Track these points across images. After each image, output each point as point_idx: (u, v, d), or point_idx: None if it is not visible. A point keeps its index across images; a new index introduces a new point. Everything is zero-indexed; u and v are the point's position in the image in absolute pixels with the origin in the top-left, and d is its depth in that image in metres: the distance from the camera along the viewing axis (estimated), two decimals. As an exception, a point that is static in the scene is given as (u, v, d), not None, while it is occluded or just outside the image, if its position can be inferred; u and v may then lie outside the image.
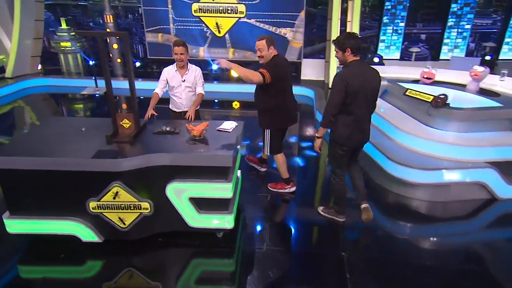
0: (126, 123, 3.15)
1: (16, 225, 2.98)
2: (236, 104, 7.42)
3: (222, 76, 8.99)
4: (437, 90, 4.56)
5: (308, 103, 7.63)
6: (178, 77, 3.88)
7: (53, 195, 2.88)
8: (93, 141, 3.06)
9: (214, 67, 9.02)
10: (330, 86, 7.09)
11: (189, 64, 3.92)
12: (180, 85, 3.90)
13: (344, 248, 3.19)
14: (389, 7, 8.17)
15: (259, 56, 3.52)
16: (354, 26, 7.93)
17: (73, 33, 8.94)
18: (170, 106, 4.10)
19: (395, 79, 5.24)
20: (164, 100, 4.08)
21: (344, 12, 8.21)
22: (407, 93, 4.47)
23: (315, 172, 4.78)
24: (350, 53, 2.99)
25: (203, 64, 9.07)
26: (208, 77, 8.87)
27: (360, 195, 3.50)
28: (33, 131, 3.27)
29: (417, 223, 3.61)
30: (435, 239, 3.42)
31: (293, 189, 4.02)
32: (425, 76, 5.11)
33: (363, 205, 3.46)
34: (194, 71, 3.92)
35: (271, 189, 4.04)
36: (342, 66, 3.08)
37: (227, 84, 8.34)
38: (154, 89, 3.93)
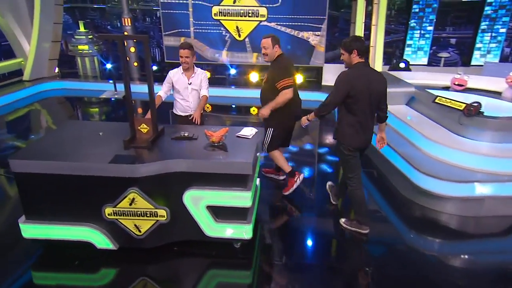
0: (144, 128, 3.20)
1: (31, 230, 3.05)
2: (254, 110, 7.45)
3: (240, 81, 9.06)
4: (470, 98, 4.46)
5: (329, 110, 7.57)
6: (184, 79, 3.94)
7: (69, 200, 2.94)
8: (110, 145, 3.11)
9: (232, 71, 9.09)
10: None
11: (195, 67, 4.00)
12: (187, 88, 3.95)
13: (367, 263, 3.13)
14: (417, 10, 8.07)
15: (263, 54, 3.70)
16: (379, 30, 7.87)
17: (90, 36, 9.20)
18: (174, 111, 4.12)
19: (423, 86, 5.15)
20: (168, 105, 4.12)
21: (368, 15, 8.17)
22: (436, 101, 4.38)
23: (335, 181, 4.71)
24: (356, 55, 3.13)
25: (220, 68, 9.17)
26: (225, 81, 8.95)
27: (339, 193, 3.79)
28: (50, 135, 3.36)
29: (446, 239, 3.51)
30: (466, 256, 3.31)
31: (302, 176, 4.04)
32: (456, 83, 5.00)
33: (335, 202, 3.85)
34: (201, 74, 3.99)
35: (286, 194, 4.02)
36: (348, 67, 3.22)
37: (245, 89, 8.39)
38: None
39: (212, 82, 8.50)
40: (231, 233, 3.07)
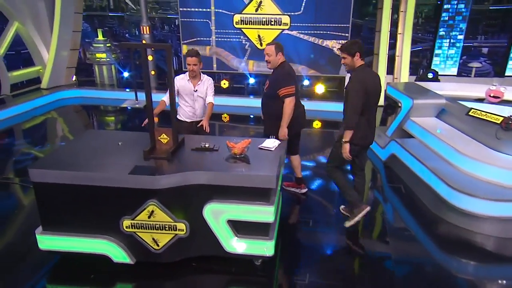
0: (164, 138, 3.24)
1: (48, 241, 3.09)
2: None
3: (259, 91, 9.10)
4: (506, 111, 4.34)
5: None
6: (190, 86, 4.04)
7: (87, 212, 2.98)
8: (129, 156, 3.15)
9: (251, 80, 9.15)
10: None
11: (201, 74, 4.11)
12: (193, 94, 4.05)
13: (393, 285, 3.03)
14: (446, 18, 7.98)
15: (266, 60, 3.84)
16: (405, 39, 7.81)
17: (109, 45, 9.46)
18: (178, 116, 4.16)
19: (454, 97, 5.06)
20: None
21: (394, 23, 8.12)
22: (470, 113, 4.29)
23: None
24: (358, 57, 3.36)
25: (239, 78, 9.25)
26: (244, 91, 9.01)
27: (359, 199, 3.78)
28: (69, 145, 3.43)
29: (483, 262, 3.38)
30: (505, 281, 3.18)
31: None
32: (492, 95, 4.89)
33: (343, 207, 3.99)
34: (207, 82, 4.10)
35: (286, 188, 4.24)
36: (351, 70, 3.45)
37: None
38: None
39: (231, 92, 8.67)
40: (252, 249, 3.04)
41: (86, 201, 2.94)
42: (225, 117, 7.58)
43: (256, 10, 7.98)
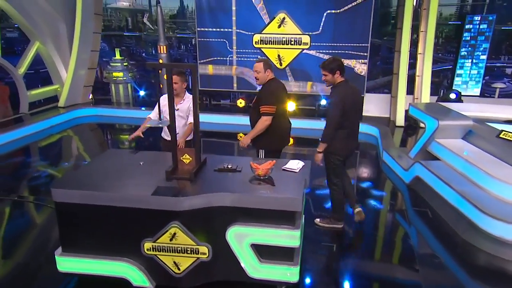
0: (186, 159, 3.23)
1: (67, 263, 3.07)
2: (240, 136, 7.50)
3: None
4: (538, 133, 4.23)
5: (370, 142, 7.47)
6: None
7: (108, 233, 2.96)
8: (151, 176, 3.15)
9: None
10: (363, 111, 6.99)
11: (187, 93, 4.11)
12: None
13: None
14: (468, 38, 7.96)
15: (255, 77, 3.96)
16: (426, 59, 7.80)
17: (126, 64, 9.67)
18: (162, 134, 4.30)
19: (481, 119, 4.97)
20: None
21: (413, 43, 8.14)
22: (501, 136, 4.20)
23: (377, 217, 4.53)
24: (339, 74, 3.70)
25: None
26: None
27: (352, 201, 4.13)
28: (90, 164, 3.45)
29: (520, 294, 3.23)
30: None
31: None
32: (521, 116, 4.80)
33: (357, 209, 4.09)
34: (190, 101, 4.00)
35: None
36: (331, 86, 3.80)
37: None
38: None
39: (247, 111, 8.68)
40: (276, 275, 2.96)
41: (108, 223, 2.93)
42: (241, 137, 7.59)
43: (279, 26, 8.09)
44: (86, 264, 3.04)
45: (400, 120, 8.06)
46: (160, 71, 9.21)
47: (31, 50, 8.60)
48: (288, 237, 2.86)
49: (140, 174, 3.22)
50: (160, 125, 3.37)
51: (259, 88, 4.14)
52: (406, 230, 4.24)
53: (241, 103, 9.05)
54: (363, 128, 7.93)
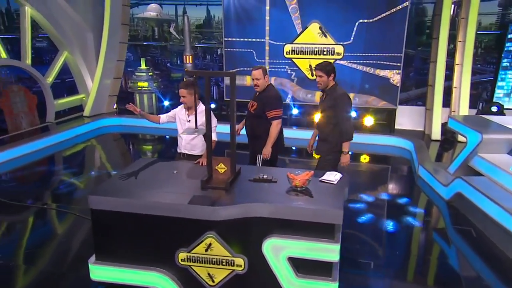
0: (221, 168, 3.30)
1: (100, 272, 3.15)
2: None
3: (303, 122, 9.16)
4: None
5: (403, 156, 7.38)
6: (185, 116, 4.13)
7: (142, 242, 3.03)
8: (185, 185, 3.23)
9: (294, 111, 9.26)
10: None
11: (200, 104, 4.10)
12: (185, 124, 4.11)
13: None
14: (511, 48, 7.83)
15: (255, 84, 4.19)
16: (464, 70, 7.69)
17: (151, 73, 9.95)
18: (178, 149, 4.32)
19: (528, 133, 4.86)
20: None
21: (450, 54, 8.06)
22: (551, 150, 4.09)
23: (415, 235, 4.45)
24: (332, 78, 4.01)
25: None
26: (287, 121, 9.09)
27: None
28: (123, 173, 3.56)
29: None
30: None
31: None
32: None
33: None
34: (203, 113, 3.89)
35: None
36: (325, 88, 4.05)
37: (310, 130, 8.42)
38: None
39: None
40: (314, 291, 2.95)
41: (143, 231, 3.00)
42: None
43: (321, 36, 8.18)
44: (118, 273, 3.12)
45: (436, 134, 7.94)
46: (184, 78, 9.46)
47: (59, 60, 8.98)
48: (327, 251, 2.86)
49: (174, 183, 3.30)
50: (196, 134, 3.45)
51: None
52: (448, 250, 4.15)
53: (268, 114, 9.12)
54: (395, 141, 7.91)
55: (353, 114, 3.98)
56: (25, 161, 6.78)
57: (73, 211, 4.76)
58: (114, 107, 10.16)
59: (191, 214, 2.88)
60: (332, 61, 8.26)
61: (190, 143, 4.15)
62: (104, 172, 6.59)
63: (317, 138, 4.41)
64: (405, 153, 7.49)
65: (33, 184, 6.02)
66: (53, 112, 8.83)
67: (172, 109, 4.32)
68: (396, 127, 8.65)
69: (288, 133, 8.28)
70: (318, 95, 8.63)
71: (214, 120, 3.99)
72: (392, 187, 6.06)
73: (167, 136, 8.76)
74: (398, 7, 7.69)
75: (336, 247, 2.85)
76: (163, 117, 4.31)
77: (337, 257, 2.87)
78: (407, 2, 7.63)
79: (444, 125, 7.93)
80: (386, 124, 8.89)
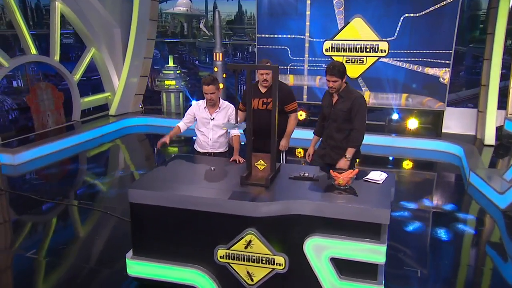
0: (261, 165, 3.48)
1: (137, 267, 3.40)
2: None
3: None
4: None
5: (452, 162, 7.34)
6: (207, 114, 4.23)
7: (181, 239, 3.26)
8: (224, 181, 3.44)
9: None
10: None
11: (221, 101, 4.27)
12: (208, 122, 4.23)
13: None
14: None
15: (265, 80, 4.33)
16: (523, 68, 7.60)
17: (179, 71, 10.31)
18: (195, 146, 4.48)
19: None
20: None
21: (506, 51, 7.98)
22: None
23: (466, 246, 4.47)
24: (344, 80, 3.94)
25: (315, 110, 9.50)
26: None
27: None
28: (161, 169, 3.81)
29: None
30: None
31: None
32: None
33: None
34: (226, 110, 4.22)
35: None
36: (340, 91, 3.95)
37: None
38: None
39: (308, 124, 8.87)
40: (357, 294, 3.08)
41: (181, 227, 3.22)
42: (299, 152, 7.77)
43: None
44: (156, 269, 3.35)
45: (489, 138, 7.84)
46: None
47: (87, 56, 9.47)
48: (372, 252, 2.98)
49: (212, 179, 3.53)
50: (237, 129, 3.65)
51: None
52: (502, 264, 4.15)
53: (301, 115, 9.26)
54: (442, 146, 7.87)
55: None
56: (50, 160, 7.19)
57: (102, 209, 5.07)
58: (140, 106, 10.56)
59: (232, 209, 3.07)
60: (374, 58, 8.37)
61: (218, 141, 4.31)
62: (128, 173, 6.90)
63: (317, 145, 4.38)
64: (454, 159, 7.44)
65: (58, 183, 6.41)
66: (79, 110, 9.31)
67: (186, 112, 4.47)
68: (444, 130, 8.59)
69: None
70: (367, 94, 8.67)
71: (234, 115, 4.17)
72: (439, 195, 6.07)
73: (194, 137, 9.04)
74: (448, 0, 7.69)
75: (383, 248, 2.97)
76: (182, 126, 4.42)
77: (383, 259, 2.99)
78: (458, -5, 7.61)
79: (499, 129, 7.83)
80: (432, 128, 8.85)
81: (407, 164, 7.45)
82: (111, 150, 8.39)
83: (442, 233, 4.64)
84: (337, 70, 3.82)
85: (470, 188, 5.98)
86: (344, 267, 3.08)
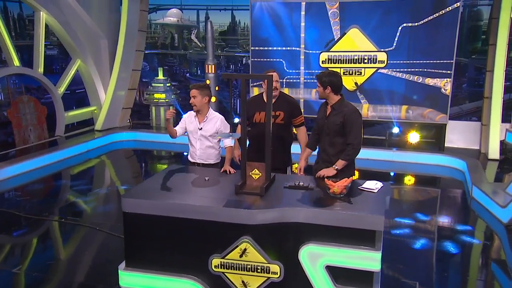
0: (255, 174, 3.75)
1: (130, 279, 3.61)
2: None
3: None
4: None
5: (455, 177, 7.65)
6: (196, 123, 4.49)
7: (175, 248, 3.48)
8: (219, 190, 3.70)
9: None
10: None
11: (210, 111, 4.51)
12: (196, 132, 4.48)
13: None
14: None
15: (275, 88, 4.37)
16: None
17: (169, 84, 10.65)
18: (189, 157, 4.74)
19: None
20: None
21: (510, 62, 8.38)
22: None
23: (467, 261, 4.73)
24: (330, 91, 4.04)
25: (311, 124, 9.82)
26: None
27: None
28: (155, 178, 4.06)
29: None
30: None
31: None
32: None
33: None
34: (215, 121, 4.44)
35: None
36: (330, 103, 4.12)
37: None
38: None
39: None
40: (353, 303, 3.31)
41: (176, 236, 3.45)
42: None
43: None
44: (149, 280, 3.56)
45: (493, 152, 8.19)
46: (208, 81, 10.03)
47: (72, 69, 9.79)
48: (367, 259, 3.22)
49: (206, 188, 3.77)
50: (231, 138, 3.93)
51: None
52: (507, 277, 4.39)
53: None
54: (445, 161, 8.20)
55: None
56: (33, 176, 7.40)
57: (90, 225, 5.29)
58: (128, 121, 10.84)
59: (226, 217, 3.32)
60: (372, 70, 8.73)
61: (206, 152, 4.55)
62: (114, 190, 7.13)
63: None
64: (457, 174, 7.75)
65: (42, 200, 6.62)
66: (63, 125, 9.57)
67: (180, 119, 4.73)
68: (447, 144, 8.92)
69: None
70: (365, 108, 9.01)
71: (227, 127, 4.47)
72: (442, 211, 6.34)
73: (184, 153, 9.32)
74: (447, 9, 8.11)
75: (377, 255, 3.21)
76: (179, 130, 4.63)
77: (378, 266, 3.23)
78: (458, 3, 8.02)
79: (503, 143, 8.17)
80: (435, 142, 9.18)
81: (409, 180, 7.74)
82: (96, 167, 8.62)
83: (442, 247, 4.90)
84: (320, 75, 4.10)
85: (473, 203, 6.27)
86: (339, 275, 3.31)
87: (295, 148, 4.75)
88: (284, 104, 4.56)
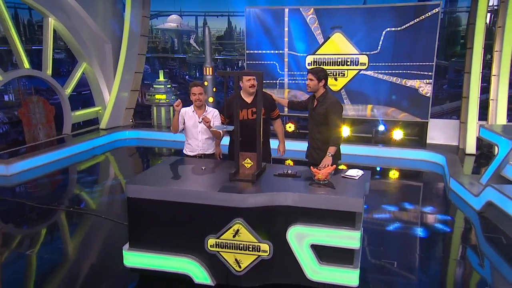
0: (248, 163, 3.93)
1: (133, 258, 3.78)
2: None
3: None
4: None
5: (435, 171, 7.85)
6: (195, 117, 4.69)
7: (174, 230, 3.66)
8: (215, 178, 3.88)
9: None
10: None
11: (206, 106, 4.79)
12: (197, 126, 4.68)
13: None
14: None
15: (252, 86, 4.56)
16: (502, 81, 8.19)
17: (169, 86, 10.82)
18: (184, 151, 4.89)
19: None
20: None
21: (487, 65, 8.60)
22: None
23: (444, 244, 4.92)
24: (323, 84, 4.41)
25: (304, 122, 10.01)
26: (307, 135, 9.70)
27: None
28: (156, 168, 4.24)
29: None
30: None
31: None
32: None
33: None
34: (212, 112, 4.73)
35: None
36: (316, 95, 4.47)
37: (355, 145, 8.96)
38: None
39: (296, 137, 9.36)
40: (336, 278, 3.50)
41: (175, 219, 3.63)
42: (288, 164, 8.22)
43: None
44: (151, 260, 3.74)
45: (470, 148, 8.40)
46: (206, 82, 10.19)
47: (78, 71, 9.94)
48: (348, 238, 3.42)
49: (203, 176, 3.95)
50: (225, 129, 4.11)
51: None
52: (478, 257, 4.58)
53: (290, 127, 9.78)
54: (427, 156, 8.40)
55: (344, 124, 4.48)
56: (42, 171, 7.54)
57: (96, 213, 5.45)
58: (131, 120, 11.01)
59: (221, 201, 3.50)
60: (355, 72, 8.95)
61: (207, 143, 4.78)
62: (118, 183, 7.27)
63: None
64: (437, 168, 7.95)
65: (51, 191, 6.79)
66: (70, 124, 9.72)
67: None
68: (428, 141, 9.12)
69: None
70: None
71: (219, 117, 4.73)
72: (422, 200, 6.53)
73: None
74: (427, 14, 8.31)
75: (357, 234, 3.40)
76: (180, 125, 4.78)
77: (358, 244, 3.42)
78: (437, 8, 8.23)
79: (479, 139, 8.38)
80: (418, 138, 9.38)
81: (393, 173, 7.93)
82: (101, 163, 8.78)
83: (421, 232, 5.08)
84: (315, 70, 4.43)
85: (451, 194, 6.46)
86: (323, 253, 3.50)
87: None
88: (263, 101, 4.67)
